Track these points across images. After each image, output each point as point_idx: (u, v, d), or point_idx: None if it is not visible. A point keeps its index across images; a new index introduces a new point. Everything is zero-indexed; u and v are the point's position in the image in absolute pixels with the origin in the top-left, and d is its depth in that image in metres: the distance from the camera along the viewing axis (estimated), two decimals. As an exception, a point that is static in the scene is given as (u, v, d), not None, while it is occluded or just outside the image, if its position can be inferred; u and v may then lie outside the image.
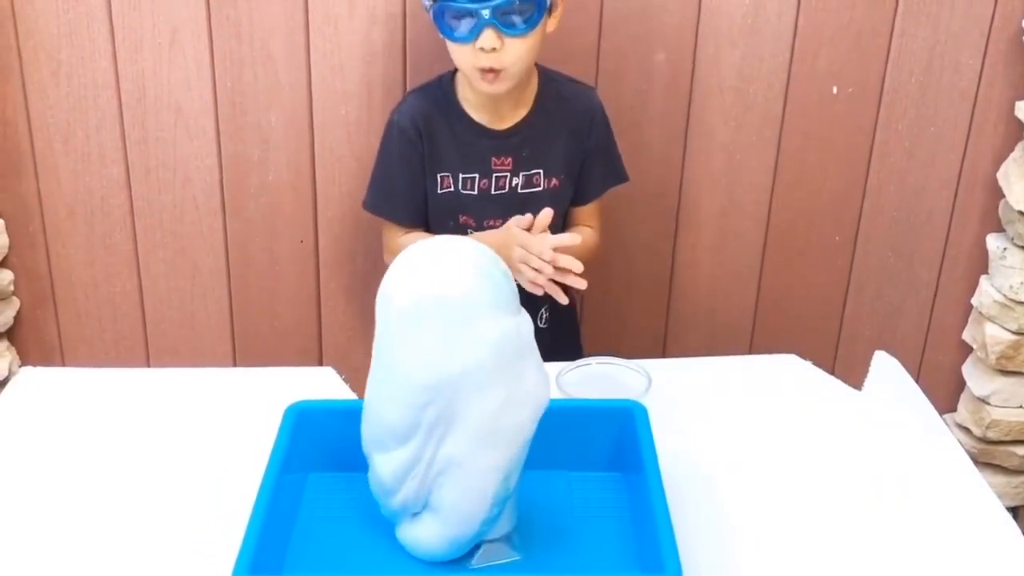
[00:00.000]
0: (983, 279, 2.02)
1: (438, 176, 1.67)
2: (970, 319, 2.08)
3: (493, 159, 1.66)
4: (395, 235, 1.71)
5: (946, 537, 1.13)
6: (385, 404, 1.05)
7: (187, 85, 1.85)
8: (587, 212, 1.76)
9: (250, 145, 1.90)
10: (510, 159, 1.66)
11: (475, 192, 1.67)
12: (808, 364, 1.45)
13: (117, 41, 1.82)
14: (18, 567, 1.06)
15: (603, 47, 1.85)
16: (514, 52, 1.53)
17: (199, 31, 1.82)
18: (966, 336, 2.09)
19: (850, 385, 1.42)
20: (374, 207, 1.72)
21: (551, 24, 1.59)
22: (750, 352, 2.09)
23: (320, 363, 2.04)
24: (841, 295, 2.09)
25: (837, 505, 1.17)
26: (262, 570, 0.97)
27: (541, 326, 1.73)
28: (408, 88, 1.85)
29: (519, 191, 1.68)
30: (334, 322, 2.03)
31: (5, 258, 1.97)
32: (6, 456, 1.23)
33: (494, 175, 1.66)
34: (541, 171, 1.68)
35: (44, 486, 1.18)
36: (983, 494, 1.20)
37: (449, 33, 1.54)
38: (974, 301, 2.05)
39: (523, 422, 1.03)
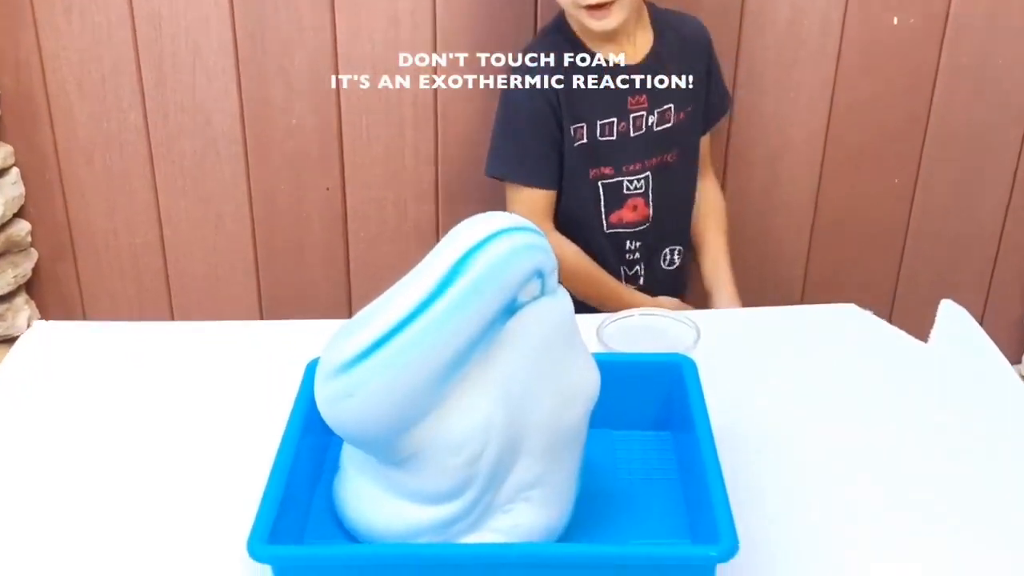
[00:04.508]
0: (1052, 221, 1.92)
1: (572, 128, 1.57)
2: (1037, 265, 1.98)
3: (630, 99, 1.59)
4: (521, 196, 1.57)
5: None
6: (411, 481, 0.89)
7: (205, 23, 1.77)
8: (702, 152, 1.73)
9: (273, 87, 1.82)
10: (644, 96, 1.59)
11: (614, 137, 1.59)
12: (869, 314, 1.35)
13: (131, -25, 1.74)
14: (30, 525, 1.00)
15: (646, -22, 1.75)
16: None
17: (217, -35, 1.74)
18: (1033, 283, 1.99)
19: (912, 335, 1.32)
20: (500, 173, 1.59)
21: None
22: (801, 300, 2.01)
23: (350, 315, 1.97)
24: (900, 239, 2.00)
25: (907, 464, 1.08)
26: (280, 538, 0.89)
27: (667, 268, 1.72)
28: (442, 25, 1.77)
29: (655, 129, 1.61)
30: (363, 272, 1.96)
31: (21, 208, 1.91)
32: (14, 414, 1.17)
33: (631, 115, 1.59)
34: (672, 105, 1.61)
35: (54, 444, 1.12)
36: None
37: None
38: (1042, 245, 1.95)
39: (582, 413, 0.90)
